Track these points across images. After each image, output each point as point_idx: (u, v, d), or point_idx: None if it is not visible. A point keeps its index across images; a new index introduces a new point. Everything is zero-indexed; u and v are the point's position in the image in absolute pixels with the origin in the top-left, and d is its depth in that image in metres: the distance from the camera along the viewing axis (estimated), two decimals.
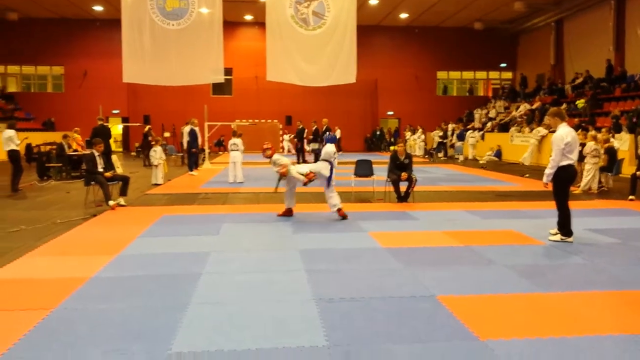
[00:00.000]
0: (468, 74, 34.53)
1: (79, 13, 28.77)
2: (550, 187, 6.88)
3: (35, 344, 3.60)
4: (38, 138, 20.56)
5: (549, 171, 6.71)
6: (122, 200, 9.81)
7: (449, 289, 4.83)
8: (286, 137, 23.15)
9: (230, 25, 25.82)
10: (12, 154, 12.07)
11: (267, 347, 3.55)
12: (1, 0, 25.93)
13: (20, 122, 21.95)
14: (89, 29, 30.15)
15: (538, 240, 6.93)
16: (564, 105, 22.53)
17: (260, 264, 5.73)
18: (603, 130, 14.86)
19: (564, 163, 6.63)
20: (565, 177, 6.73)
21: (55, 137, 20.49)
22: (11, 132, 12.15)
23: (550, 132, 17.86)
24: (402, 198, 10.24)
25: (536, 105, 24.50)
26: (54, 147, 16.22)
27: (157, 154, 13.59)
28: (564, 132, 6.69)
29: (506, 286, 4.95)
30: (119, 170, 13.21)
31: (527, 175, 15.92)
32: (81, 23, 29.99)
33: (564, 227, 6.82)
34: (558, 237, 6.84)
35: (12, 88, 31.83)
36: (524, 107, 25.56)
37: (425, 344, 3.63)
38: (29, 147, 19.22)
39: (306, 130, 21.23)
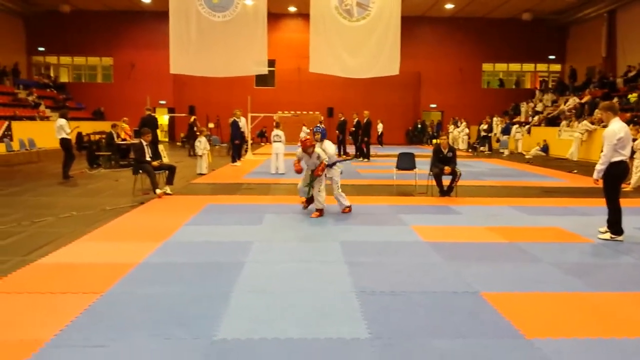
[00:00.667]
0: (515, 66, 33.67)
1: (128, 5, 29.48)
2: (600, 184, 6.67)
3: (84, 326, 3.75)
4: (88, 127, 21.23)
5: (600, 167, 6.50)
6: (168, 189, 10.05)
7: (493, 285, 4.76)
8: (305, 129, 22.90)
9: (274, 16, 25.95)
10: (64, 142, 12.52)
11: (310, 337, 3.59)
12: None
13: (72, 112, 22.66)
14: (138, 21, 30.86)
15: (587, 238, 6.73)
16: (615, 99, 21.71)
17: (302, 255, 5.78)
18: None
19: (616, 159, 6.42)
20: (617, 173, 6.51)
21: (104, 126, 21.13)
22: (62, 121, 12.59)
23: (602, 126, 17.27)
24: (445, 192, 10.11)
25: (586, 99, 23.69)
26: (104, 136, 16.72)
27: (201, 144, 13.84)
28: (617, 127, 6.46)
29: (553, 284, 4.83)
30: (165, 159, 13.52)
31: (575, 170, 15.46)
32: (130, 15, 30.71)
33: (614, 225, 6.60)
34: (608, 235, 6.63)
35: (64, 78, 32.97)
36: (572, 100, 24.75)
37: (469, 339, 3.60)
38: (79, 135, 19.85)
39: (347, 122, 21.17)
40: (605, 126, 6.84)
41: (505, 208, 8.99)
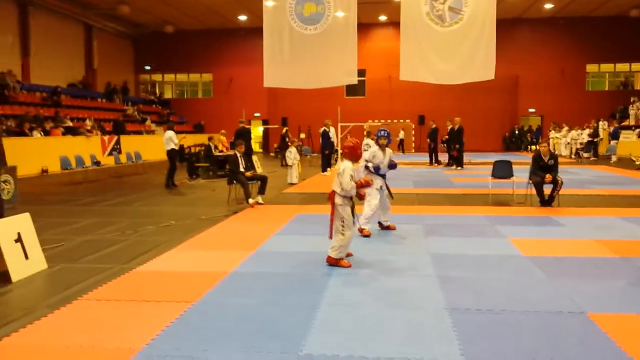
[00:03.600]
0: (622, 66, 31.26)
1: (225, 23, 30.80)
2: None
3: (176, 336, 3.82)
4: (189, 140, 22.32)
5: None
6: (260, 199, 10.26)
7: (603, 305, 4.33)
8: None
9: (364, 26, 25.94)
10: (170, 153, 13.33)
11: (399, 357, 3.42)
12: (160, 15, 28.61)
13: (175, 126, 23.99)
14: (235, 38, 32.16)
15: None
16: None
17: (391, 267, 5.61)
18: None
19: None
20: None
21: (204, 139, 22.11)
22: (171, 133, 13.51)
23: None
24: (546, 202, 9.50)
25: None
26: (203, 148, 17.49)
27: (292, 154, 14.06)
28: None
29: None
30: (259, 170, 13.87)
31: None
32: (227, 32, 32.07)
33: None
34: None
35: (168, 94, 35.08)
36: None
37: None
38: (180, 148, 20.91)
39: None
40: None
41: (615, 219, 8.26)
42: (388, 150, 7.60)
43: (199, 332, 3.86)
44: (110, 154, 19.86)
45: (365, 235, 7.10)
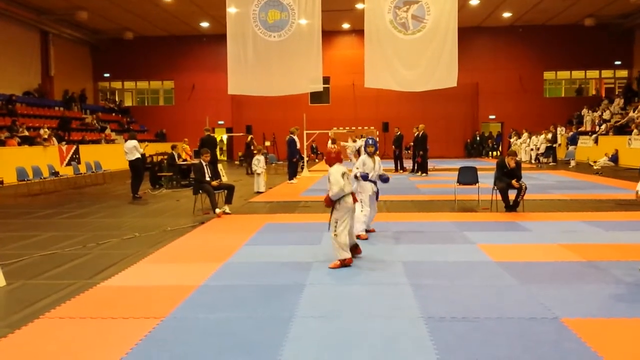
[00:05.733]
0: (578, 74, 32.31)
1: (187, 30, 30.40)
2: None
3: (145, 354, 3.67)
4: (151, 149, 21.86)
5: None
6: (227, 208, 10.09)
7: (574, 310, 4.38)
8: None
9: (328, 34, 26.02)
10: (136, 162, 13.03)
11: None
12: (119, 22, 28.01)
13: (137, 134, 23.47)
14: (197, 45, 31.75)
15: None
16: None
17: (363, 277, 5.56)
18: None
19: None
20: None
21: (166, 147, 21.69)
22: (134, 142, 13.21)
23: None
24: (511, 207, 9.64)
25: None
26: (165, 157, 17.13)
27: (260, 162, 13.90)
28: None
29: None
30: (224, 178, 13.65)
31: None
32: (189, 39, 31.65)
33: None
34: None
35: (128, 102, 34.31)
36: None
37: None
38: (142, 157, 20.44)
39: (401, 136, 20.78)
40: None
41: (578, 223, 8.45)
42: (377, 158, 7.81)
43: (169, 350, 3.71)
44: (68, 164, 19.23)
45: (363, 238, 7.31)
